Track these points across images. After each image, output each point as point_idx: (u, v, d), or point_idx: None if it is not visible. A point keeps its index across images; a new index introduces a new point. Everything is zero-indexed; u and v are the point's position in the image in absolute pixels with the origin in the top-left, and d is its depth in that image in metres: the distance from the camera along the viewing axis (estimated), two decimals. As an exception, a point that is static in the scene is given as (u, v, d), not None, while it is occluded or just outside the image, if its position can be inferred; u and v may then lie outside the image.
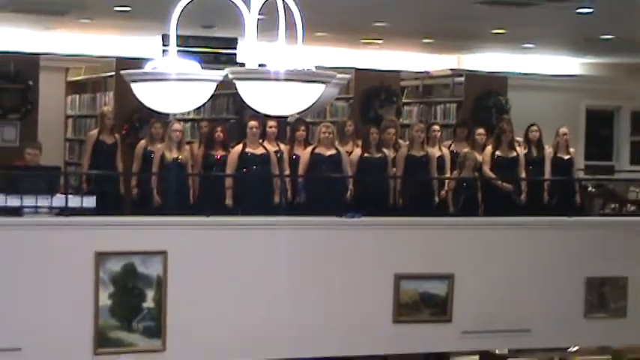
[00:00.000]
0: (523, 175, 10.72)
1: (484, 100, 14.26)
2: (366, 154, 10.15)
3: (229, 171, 9.72)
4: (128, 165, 10.51)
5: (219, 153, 9.99)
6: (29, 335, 7.73)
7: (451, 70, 15.57)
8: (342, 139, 10.54)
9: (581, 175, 13.04)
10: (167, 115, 10.38)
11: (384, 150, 10.25)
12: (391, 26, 12.44)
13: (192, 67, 5.04)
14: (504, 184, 10.54)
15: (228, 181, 9.63)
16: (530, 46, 14.65)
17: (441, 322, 8.88)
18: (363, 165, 10.09)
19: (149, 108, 5.15)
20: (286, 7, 4.80)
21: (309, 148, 10.04)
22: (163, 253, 8.04)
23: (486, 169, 10.61)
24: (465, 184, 10.30)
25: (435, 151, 10.60)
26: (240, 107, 11.56)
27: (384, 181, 10.10)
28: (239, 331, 8.33)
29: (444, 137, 11.70)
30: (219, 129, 10.17)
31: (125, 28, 13.11)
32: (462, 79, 14.77)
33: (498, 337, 9.20)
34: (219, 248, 8.33)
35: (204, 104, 5.45)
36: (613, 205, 12.95)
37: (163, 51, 11.49)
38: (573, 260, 9.29)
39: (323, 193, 9.68)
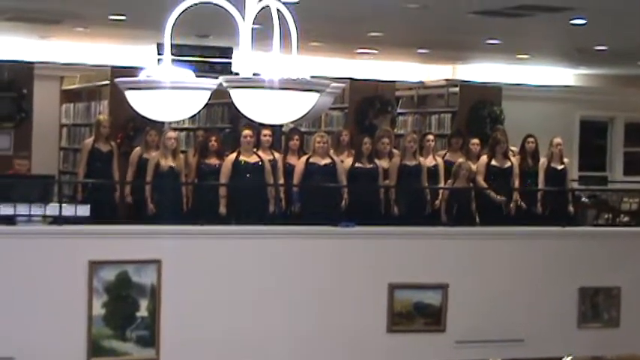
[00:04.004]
0: (517, 185, 10.75)
1: (478, 110, 14.29)
2: (357, 164, 10.15)
3: (223, 180, 9.72)
4: (123, 173, 10.51)
5: (213, 161, 9.99)
6: (22, 344, 7.73)
7: (446, 80, 15.60)
8: (338, 149, 10.55)
9: (574, 185, 13.06)
10: (162, 123, 10.40)
11: (376, 160, 10.26)
12: (386, 36, 12.46)
13: (187, 75, 5.04)
14: (497, 195, 10.55)
15: (222, 190, 9.63)
16: (525, 56, 14.69)
17: (435, 331, 8.90)
18: (353, 175, 10.10)
19: (144, 116, 5.15)
20: (281, 17, 4.81)
21: (304, 158, 10.05)
22: (157, 262, 8.04)
23: (480, 179, 10.64)
24: (457, 196, 10.31)
25: (427, 161, 10.61)
26: (235, 116, 11.57)
27: (376, 191, 10.12)
28: (233, 341, 8.33)
29: (438, 147, 11.73)
30: (213, 138, 10.18)
31: (120, 36, 13.12)
32: (457, 89, 14.80)
33: (492, 347, 9.20)
34: (213, 257, 8.34)
35: (198, 113, 5.45)
36: (606, 216, 12.98)
37: (158, 60, 11.50)
38: (567, 270, 9.32)
39: (318, 202, 9.69)
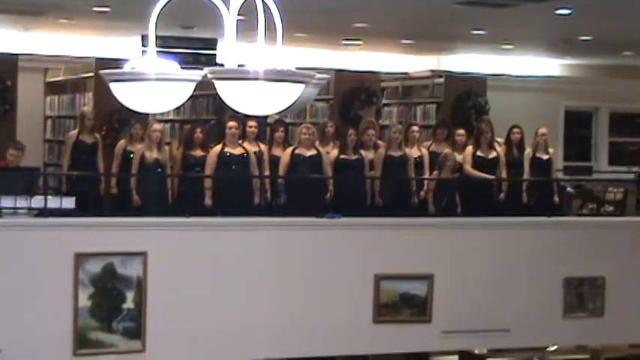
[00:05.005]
0: (504, 174, 10.79)
1: (463, 101, 14.30)
2: (342, 156, 10.17)
3: (208, 171, 9.71)
4: (108, 165, 10.49)
5: (198, 153, 9.97)
6: (8, 336, 7.70)
7: (431, 71, 15.61)
8: (323, 140, 10.56)
9: (559, 175, 13.10)
10: (147, 115, 10.38)
11: (362, 151, 10.27)
12: (371, 27, 12.46)
13: (172, 67, 5.04)
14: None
15: (208, 182, 9.63)
16: (510, 47, 14.71)
17: (421, 322, 8.91)
18: (339, 166, 10.11)
19: (128, 108, 5.15)
20: (266, 8, 4.81)
21: (290, 149, 10.05)
22: (143, 254, 8.03)
23: (468, 167, 10.66)
24: (445, 187, 10.33)
25: (412, 152, 10.63)
26: (220, 108, 11.56)
27: (362, 182, 10.13)
28: (219, 332, 8.32)
29: (423, 138, 11.74)
30: (198, 130, 10.17)
31: (104, 28, 13.08)
32: (442, 80, 14.80)
33: (478, 337, 9.22)
34: (199, 249, 8.32)
35: (183, 105, 5.46)
36: (591, 206, 13.02)
37: (143, 51, 11.48)
38: (552, 260, 9.33)
39: (303, 193, 9.69)
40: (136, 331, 8.03)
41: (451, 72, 15.36)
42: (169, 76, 5.00)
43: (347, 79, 13.80)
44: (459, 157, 10.65)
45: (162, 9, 4.90)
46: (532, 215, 9.88)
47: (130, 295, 8.01)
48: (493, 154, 10.78)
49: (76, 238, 7.97)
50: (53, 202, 8.19)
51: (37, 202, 8.18)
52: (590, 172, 16.97)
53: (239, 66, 4.75)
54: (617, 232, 9.83)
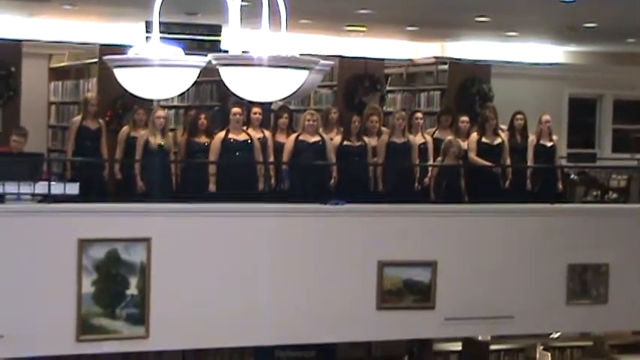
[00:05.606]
0: (508, 161, 10.78)
1: (467, 88, 14.30)
2: (346, 142, 10.17)
3: (212, 157, 9.72)
4: (112, 151, 10.49)
5: (203, 140, 9.97)
6: (11, 322, 7.72)
7: (435, 57, 15.58)
8: (327, 127, 10.56)
9: (563, 162, 13.10)
10: (151, 101, 10.37)
11: (365, 138, 10.27)
12: (375, 14, 12.43)
13: (175, 53, 5.04)
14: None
15: (212, 168, 9.63)
16: (514, 34, 14.68)
17: (425, 308, 8.92)
18: (342, 153, 10.11)
19: (132, 94, 5.15)
20: (270, -6, 4.81)
21: (294, 135, 10.05)
22: (147, 240, 8.04)
23: (472, 155, 10.65)
24: (446, 174, 10.32)
25: (416, 139, 10.63)
26: (224, 94, 11.55)
27: (365, 168, 10.13)
28: (223, 318, 8.34)
29: (427, 125, 11.73)
30: (202, 116, 10.17)
31: (108, 14, 13.06)
32: (446, 66, 14.79)
33: (481, 324, 9.23)
34: (203, 235, 8.34)
35: (187, 91, 5.46)
36: (595, 193, 13.01)
37: (147, 38, 11.45)
38: (555, 247, 9.34)
39: (307, 180, 9.70)
40: (140, 317, 8.05)
41: (455, 59, 15.33)
42: (173, 62, 5.00)
43: (351, 66, 13.79)
44: (462, 144, 10.64)
45: (166, -5, 4.89)
46: (536, 202, 9.87)
47: (133, 281, 8.03)
48: (498, 141, 10.77)
49: (80, 223, 7.98)
50: (57, 188, 8.19)
51: (41, 187, 8.18)
52: (594, 159, 16.93)
53: (243, 52, 4.75)
54: (621, 219, 9.83)
